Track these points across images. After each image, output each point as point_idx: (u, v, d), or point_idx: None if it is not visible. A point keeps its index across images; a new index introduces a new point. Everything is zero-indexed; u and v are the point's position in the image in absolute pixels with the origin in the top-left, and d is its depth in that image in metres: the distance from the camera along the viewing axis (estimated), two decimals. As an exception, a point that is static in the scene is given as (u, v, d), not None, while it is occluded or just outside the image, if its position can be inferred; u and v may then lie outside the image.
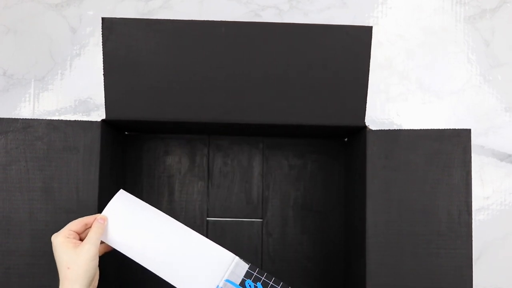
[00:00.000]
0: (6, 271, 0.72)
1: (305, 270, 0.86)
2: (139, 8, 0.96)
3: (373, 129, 0.76)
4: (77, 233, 0.65)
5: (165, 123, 0.78)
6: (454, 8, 0.96)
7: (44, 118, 0.91)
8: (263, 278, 0.67)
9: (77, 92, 0.95)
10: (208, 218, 0.87)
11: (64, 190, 0.73)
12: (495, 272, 0.92)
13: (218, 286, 0.66)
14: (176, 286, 0.65)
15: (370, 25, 0.72)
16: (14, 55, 0.95)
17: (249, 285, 0.66)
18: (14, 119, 0.75)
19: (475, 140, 0.91)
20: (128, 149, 0.88)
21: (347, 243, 0.86)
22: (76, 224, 0.65)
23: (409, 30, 0.96)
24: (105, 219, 0.67)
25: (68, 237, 0.63)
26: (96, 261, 0.63)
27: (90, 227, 0.66)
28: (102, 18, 0.72)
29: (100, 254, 0.67)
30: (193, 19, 0.73)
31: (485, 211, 0.93)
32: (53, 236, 0.64)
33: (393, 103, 0.95)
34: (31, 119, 0.75)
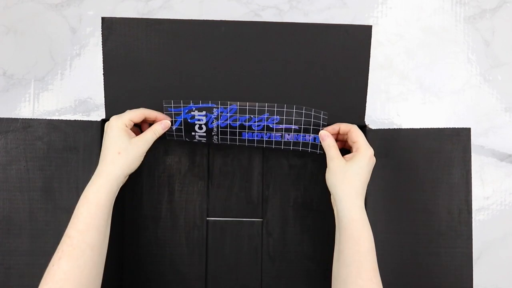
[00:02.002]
0: (6, 271, 0.72)
1: (306, 269, 0.86)
2: (139, 8, 0.96)
3: (373, 128, 0.76)
4: (135, 123, 0.67)
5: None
6: (454, 8, 0.96)
7: (44, 118, 0.91)
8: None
9: (77, 92, 0.95)
10: (208, 218, 0.87)
11: (64, 190, 0.73)
12: (495, 272, 0.92)
13: None
14: None
15: (370, 25, 0.72)
16: (14, 55, 0.95)
17: None
18: (14, 119, 0.75)
19: (475, 140, 0.91)
20: (128, 149, 0.88)
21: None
22: (137, 114, 0.66)
23: (409, 30, 0.96)
24: (168, 126, 0.69)
25: (127, 126, 0.65)
26: (142, 158, 0.65)
27: (144, 122, 0.69)
28: (102, 18, 0.72)
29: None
30: (193, 19, 0.73)
31: (485, 211, 0.93)
32: (113, 119, 0.65)
33: (393, 103, 0.95)
34: (31, 119, 0.75)
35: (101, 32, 0.72)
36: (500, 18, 0.95)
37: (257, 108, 0.70)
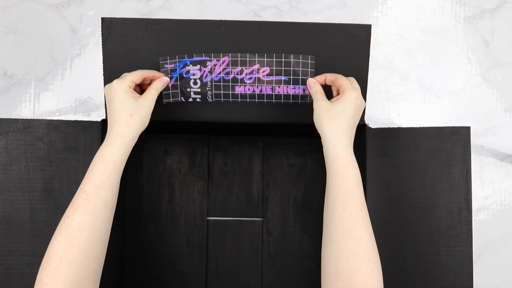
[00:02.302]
0: (7, 271, 0.72)
1: (306, 269, 0.86)
2: (139, 8, 0.96)
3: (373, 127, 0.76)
4: (136, 84, 0.68)
5: (165, 123, 0.78)
6: (454, 8, 0.96)
7: (44, 118, 0.91)
8: None
9: (77, 92, 0.95)
10: (208, 218, 0.87)
11: (65, 190, 0.73)
12: (495, 272, 0.92)
13: None
14: None
15: (370, 24, 0.72)
16: (15, 56, 0.95)
17: None
18: (15, 119, 0.75)
19: (475, 140, 0.91)
20: (129, 149, 0.88)
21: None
22: (136, 75, 0.68)
23: (409, 30, 0.96)
24: (167, 82, 0.71)
25: (130, 87, 0.67)
26: (150, 116, 0.67)
27: (143, 82, 0.70)
28: (102, 18, 0.72)
29: None
30: (193, 19, 0.73)
31: (485, 211, 0.93)
32: (115, 83, 0.66)
33: (393, 103, 0.95)
34: (31, 119, 0.75)
35: (101, 32, 0.72)
36: (500, 18, 0.95)
37: (248, 59, 0.71)
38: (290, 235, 0.87)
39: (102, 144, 0.64)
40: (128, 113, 0.65)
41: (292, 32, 0.73)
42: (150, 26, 0.72)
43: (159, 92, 0.69)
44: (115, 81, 0.66)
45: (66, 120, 0.75)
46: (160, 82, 0.69)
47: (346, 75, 0.71)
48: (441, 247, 0.74)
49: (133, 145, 0.66)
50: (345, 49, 0.73)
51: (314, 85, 0.70)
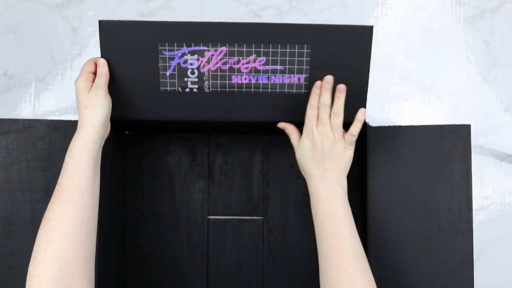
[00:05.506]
0: (8, 271, 0.72)
1: (307, 267, 0.87)
2: (140, 8, 0.96)
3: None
4: (92, 73, 0.71)
5: (165, 122, 0.78)
6: (454, 8, 0.96)
7: (44, 118, 0.91)
8: None
9: (77, 92, 0.95)
10: (209, 217, 0.87)
11: (66, 190, 0.73)
12: (495, 272, 0.92)
13: None
14: None
15: (370, 25, 0.72)
16: (15, 56, 0.95)
17: None
18: (15, 119, 0.76)
19: (475, 140, 0.91)
20: (129, 149, 0.89)
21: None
22: (88, 64, 0.71)
23: (409, 30, 0.96)
24: (105, 63, 0.72)
25: (87, 79, 0.69)
26: (107, 101, 0.70)
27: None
28: (99, 21, 0.71)
29: None
30: (194, 19, 0.73)
31: (485, 211, 0.93)
32: (75, 81, 0.69)
33: (393, 103, 0.95)
34: (32, 119, 0.75)
35: (99, 35, 0.72)
36: (500, 18, 0.95)
37: (245, 49, 0.72)
38: (290, 233, 0.87)
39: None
40: (82, 105, 0.68)
41: (292, 33, 0.73)
42: (148, 28, 0.72)
43: (106, 76, 0.71)
44: (75, 80, 0.70)
45: (67, 120, 0.76)
46: (100, 68, 0.71)
47: (347, 72, 0.71)
48: (442, 245, 0.74)
49: (98, 133, 0.67)
50: (346, 51, 0.73)
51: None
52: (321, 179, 0.68)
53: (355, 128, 0.70)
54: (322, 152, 0.69)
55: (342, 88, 0.69)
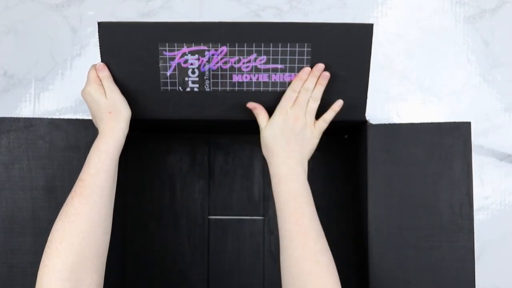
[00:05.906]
0: (9, 270, 0.72)
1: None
2: (140, 9, 0.96)
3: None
4: (99, 78, 0.72)
5: (166, 122, 0.78)
6: (454, 8, 0.96)
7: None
8: None
9: (77, 92, 0.93)
10: (209, 217, 0.87)
11: (67, 189, 0.73)
12: (495, 272, 0.92)
13: None
14: None
15: (372, 23, 0.72)
16: (15, 56, 0.95)
17: None
18: (16, 118, 0.76)
19: (474, 140, 0.91)
20: (129, 148, 0.88)
21: (349, 238, 0.86)
22: (94, 70, 0.72)
23: (409, 30, 0.96)
24: (104, 66, 0.73)
25: (99, 85, 0.71)
26: (126, 102, 0.72)
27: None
28: (98, 23, 0.71)
29: None
30: (194, 19, 0.73)
31: (485, 211, 0.93)
32: (87, 87, 0.71)
33: (393, 103, 0.95)
34: (33, 118, 0.75)
35: (98, 37, 0.72)
36: (500, 18, 0.96)
37: (245, 49, 0.72)
38: (291, 234, 0.87)
39: (96, 140, 0.68)
40: (105, 111, 0.69)
41: (292, 31, 0.73)
42: (148, 29, 0.72)
43: (111, 77, 0.72)
44: (86, 85, 0.71)
45: (68, 119, 0.76)
46: (101, 72, 0.72)
47: (347, 72, 0.71)
48: (443, 242, 0.74)
49: (125, 134, 0.69)
50: (346, 49, 0.73)
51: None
52: (286, 159, 0.69)
53: (329, 115, 0.73)
54: (292, 133, 0.70)
55: (326, 75, 0.72)
